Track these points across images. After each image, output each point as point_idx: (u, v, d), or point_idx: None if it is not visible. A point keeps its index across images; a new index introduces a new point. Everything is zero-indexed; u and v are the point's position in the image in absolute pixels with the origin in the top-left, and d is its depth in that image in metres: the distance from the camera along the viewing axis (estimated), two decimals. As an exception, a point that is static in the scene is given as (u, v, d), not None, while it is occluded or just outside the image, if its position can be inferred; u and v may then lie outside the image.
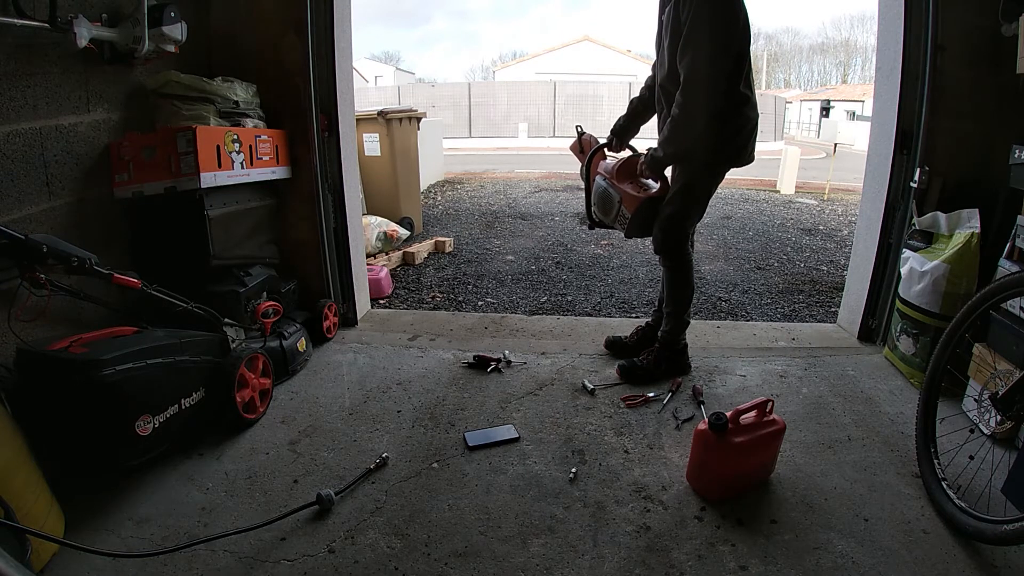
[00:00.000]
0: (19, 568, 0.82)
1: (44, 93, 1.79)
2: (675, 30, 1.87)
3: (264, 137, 2.29)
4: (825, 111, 25.24)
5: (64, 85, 1.85)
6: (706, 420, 1.56)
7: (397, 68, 39.73)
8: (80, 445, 1.47)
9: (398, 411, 2.04)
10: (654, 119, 2.21)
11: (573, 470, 1.70)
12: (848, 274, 2.86)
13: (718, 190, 2.25)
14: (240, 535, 1.42)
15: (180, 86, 2.09)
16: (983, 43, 2.14)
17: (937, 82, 2.21)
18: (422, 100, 18.63)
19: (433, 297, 3.54)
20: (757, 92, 2.03)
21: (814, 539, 1.44)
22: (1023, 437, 1.74)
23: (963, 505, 1.42)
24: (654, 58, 2.16)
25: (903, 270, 2.28)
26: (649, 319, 2.52)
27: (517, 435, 1.87)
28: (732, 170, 2.09)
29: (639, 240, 3.31)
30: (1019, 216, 1.91)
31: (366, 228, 4.18)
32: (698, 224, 2.33)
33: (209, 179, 1.99)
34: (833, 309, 3.25)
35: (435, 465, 1.74)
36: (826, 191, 7.96)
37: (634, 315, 3.20)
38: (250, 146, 2.20)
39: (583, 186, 2.40)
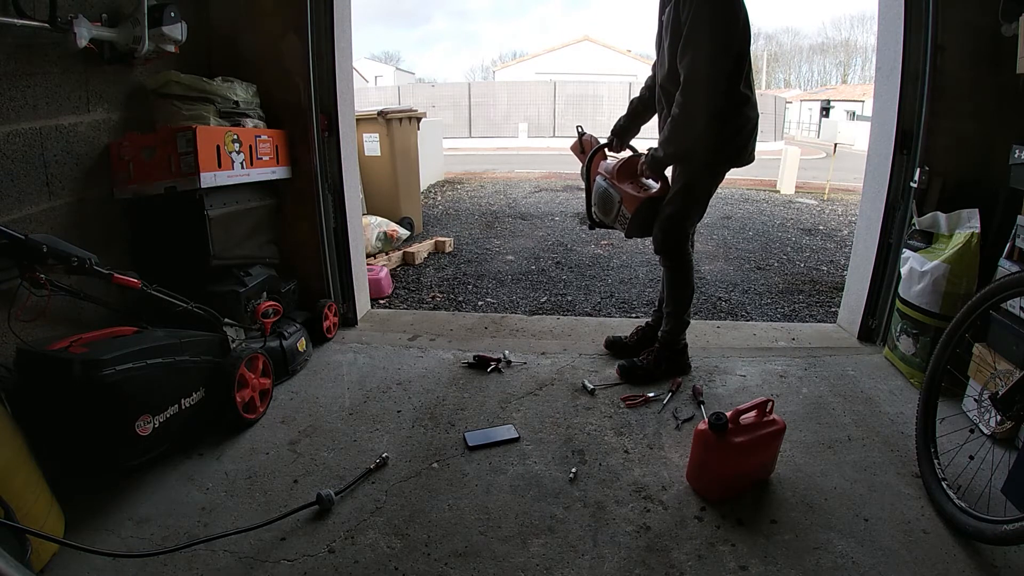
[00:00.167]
0: (19, 568, 0.82)
1: (44, 93, 1.79)
2: (675, 30, 1.87)
3: (264, 137, 2.29)
4: (825, 111, 25.25)
5: (64, 85, 1.85)
6: (706, 420, 1.56)
7: (397, 68, 39.73)
8: (80, 445, 1.47)
9: (398, 411, 2.04)
10: (654, 119, 2.21)
11: (573, 470, 1.70)
12: (848, 274, 2.86)
13: (718, 190, 2.25)
14: (240, 535, 1.42)
15: (180, 86, 2.09)
16: (983, 43, 2.14)
17: (937, 82, 2.21)
18: (422, 100, 18.63)
19: (433, 297, 3.54)
20: (757, 92, 2.03)
21: (814, 539, 1.45)
22: (1023, 437, 1.74)
23: (963, 505, 1.42)
24: (654, 58, 2.16)
25: (903, 270, 2.28)
26: (649, 319, 2.52)
27: (517, 435, 1.87)
28: (732, 170, 2.09)
29: (639, 240, 3.31)
30: (1019, 216, 1.91)
31: (366, 228, 4.18)
32: (698, 224, 2.33)
33: (209, 179, 1.99)
34: (833, 309, 3.25)
35: (435, 465, 1.74)
36: (826, 191, 7.97)
37: (634, 315, 3.20)
38: (250, 146, 2.20)
39: (583, 186, 2.40)
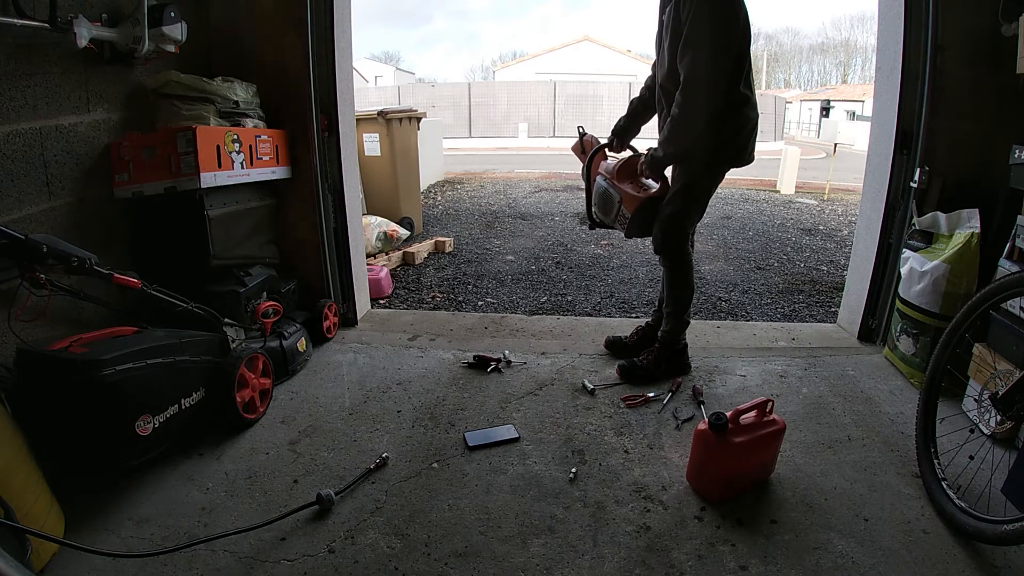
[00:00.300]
0: (19, 568, 0.82)
1: (44, 93, 1.79)
2: (675, 30, 1.87)
3: (264, 137, 2.29)
4: (825, 111, 25.25)
5: (64, 85, 1.85)
6: (706, 420, 1.56)
7: (397, 68, 39.73)
8: (80, 445, 1.47)
9: (398, 411, 2.04)
10: (655, 119, 2.21)
11: (573, 470, 1.70)
12: (848, 274, 2.86)
13: (718, 190, 2.25)
14: (240, 535, 1.42)
15: (180, 86, 2.09)
16: (983, 43, 2.14)
17: (937, 82, 2.21)
18: (422, 100, 18.64)
19: (433, 297, 3.54)
20: (757, 92, 2.03)
21: (814, 539, 1.45)
22: (1023, 437, 1.74)
23: (963, 505, 1.42)
24: (654, 58, 2.16)
25: (903, 270, 2.28)
26: (649, 319, 2.52)
27: (517, 435, 1.87)
28: (732, 170, 2.09)
29: (639, 240, 3.31)
30: (1019, 216, 1.91)
31: (366, 228, 4.18)
32: (698, 224, 2.33)
33: (209, 179, 1.99)
34: (833, 309, 3.25)
35: (435, 465, 1.74)
36: (826, 191, 7.97)
37: (634, 315, 3.20)
38: (250, 146, 2.20)
39: (583, 186, 2.40)
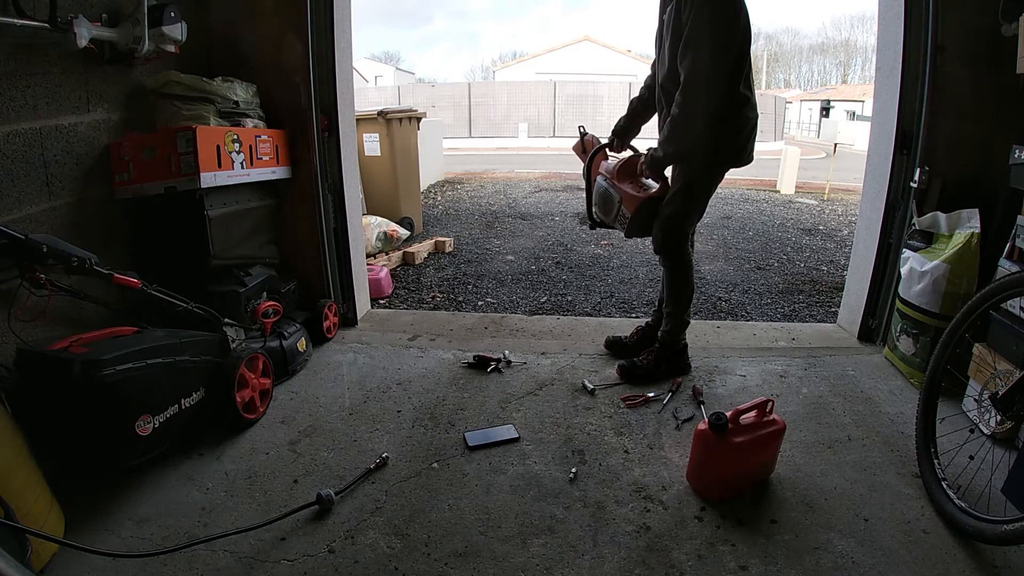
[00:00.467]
0: (19, 568, 0.82)
1: (44, 93, 1.79)
2: (676, 30, 1.87)
3: (264, 137, 2.29)
4: (825, 111, 25.25)
5: (64, 85, 1.85)
6: (706, 420, 1.56)
7: (397, 68, 39.72)
8: (80, 445, 1.47)
9: (398, 411, 2.04)
10: (655, 119, 2.21)
11: (573, 470, 1.70)
12: (848, 274, 2.86)
13: (718, 190, 2.25)
14: (240, 535, 1.42)
15: (180, 86, 2.09)
16: (983, 43, 2.14)
17: (937, 82, 2.21)
18: (422, 100, 18.63)
19: (433, 297, 3.54)
20: (757, 92, 2.03)
21: (814, 539, 1.44)
22: (1023, 437, 1.74)
23: (963, 505, 1.42)
24: (654, 58, 2.16)
25: (903, 270, 2.28)
26: (649, 319, 2.52)
27: (517, 435, 1.87)
28: (732, 170, 2.09)
29: (639, 240, 3.31)
30: (1019, 216, 1.91)
31: (366, 228, 4.18)
32: (698, 224, 2.33)
33: (209, 179, 1.99)
34: (833, 309, 3.25)
35: (435, 465, 1.74)
36: (826, 191, 7.97)
37: (634, 315, 3.20)
38: (250, 146, 2.20)
39: (583, 186, 2.40)
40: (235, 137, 2.12)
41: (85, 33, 1.74)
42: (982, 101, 2.20)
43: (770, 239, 5.19)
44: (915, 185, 2.30)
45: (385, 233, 4.38)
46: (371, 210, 4.79)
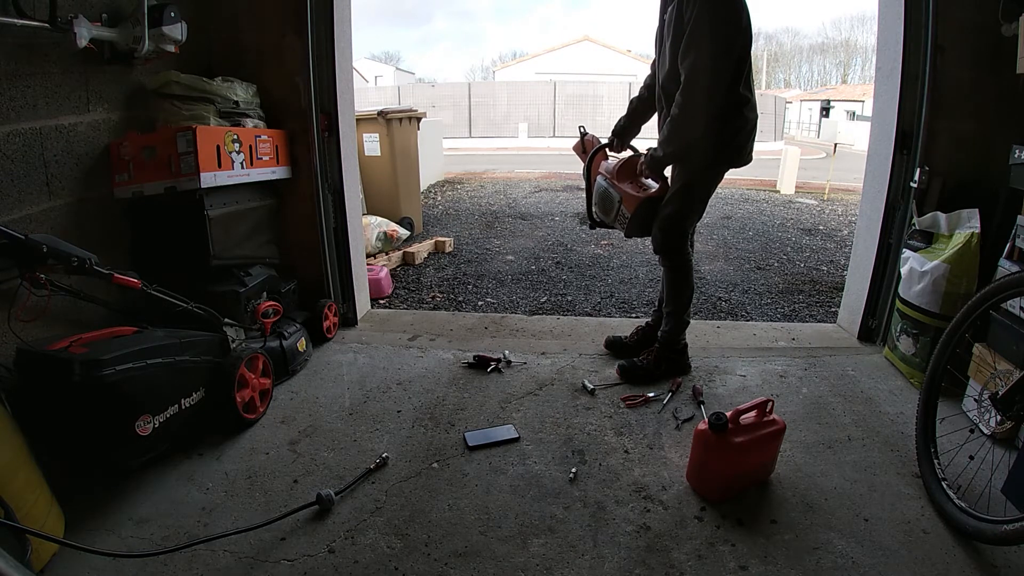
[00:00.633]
0: (19, 568, 0.82)
1: (44, 93, 1.79)
2: (677, 29, 1.86)
3: (264, 137, 2.29)
4: (825, 111, 25.22)
5: (64, 85, 1.85)
6: (706, 420, 1.56)
7: (397, 68, 39.71)
8: (80, 445, 1.47)
9: (398, 411, 2.04)
10: (655, 119, 2.21)
11: (573, 470, 1.70)
12: (848, 274, 2.86)
13: (718, 190, 2.25)
14: (240, 535, 1.42)
15: (180, 86, 2.09)
16: (983, 43, 2.14)
17: (937, 82, 2.21)
18: (422, 100, 18.63)
19: (433, 297, 3.54)
20: (757, 92, 2.03)
21: (814, 539, 1.45)
22: (1023, 437, 1.74)
23: (963, 505, 1.42)
24: (653, 58, 2.16)
25: (903, 270, 2.28)
26: (649, 319, 2.52)
27: (517, 435, 1.87)
28: (732, 170, 2.09)
29: (639, 240, 3.31)
30: (1019, 216, 1.91)
31: (366, 228, 4.18)
32: (698, 224, 2.33)
33: (209, 179, 1.99)
34: (833, 309, 3.25)
35: (435, 465, 1.74)
36: (826, 191, 7.97)
37: (634, 315, 3.20)
38: (250, 146, 2.20)
39: (583, 186, 2.40)
40: (235, 137, 2.12)
41: (85, 33, 1.74)
42: (982, 101, 2.20)
43: (770, 239, 5.19)
44: (915, 185, 2.30)
45: (385, 233, 4.38)
46: (371, 210, 4.79)
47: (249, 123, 2.27)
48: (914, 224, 2.30)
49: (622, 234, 2.23)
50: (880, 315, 2.55)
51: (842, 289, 3.01)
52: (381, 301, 3.39)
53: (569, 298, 3.49)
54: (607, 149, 2.36)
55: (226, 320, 2.01)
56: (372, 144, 4.89)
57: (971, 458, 1.59)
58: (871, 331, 2.61)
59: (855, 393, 2.16)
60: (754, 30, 1.93)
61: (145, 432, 1.52)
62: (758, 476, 1.65)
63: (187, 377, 1.70)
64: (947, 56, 2.18)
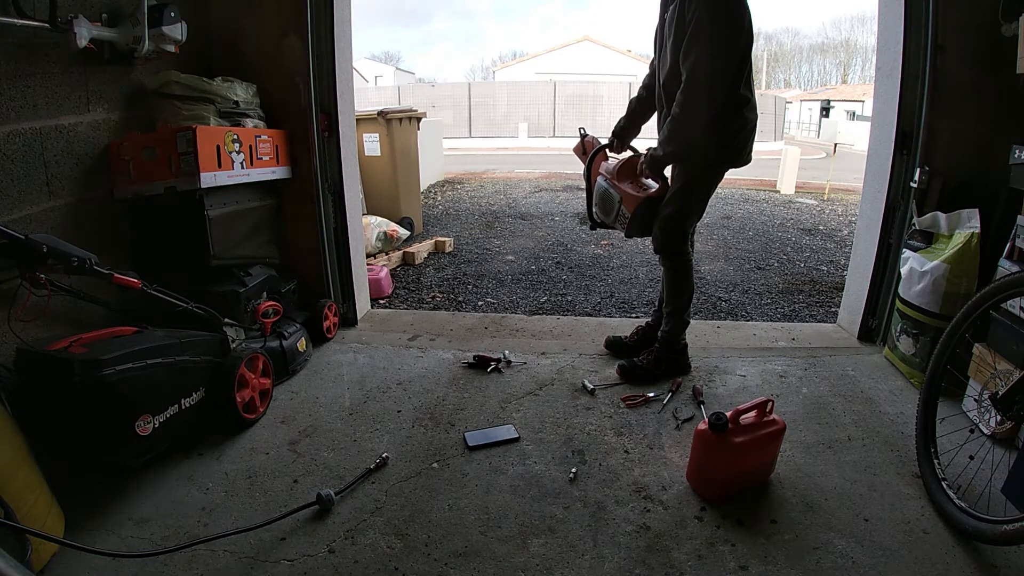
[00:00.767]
0: (19, 568, 0.82)
1: (44, 93, 1.79)
2: (679, 29, 1.86)
3: (264, 137, 2.29)
4: (825, 111, 25.22)
5: (64, 85, 1.85)
6: (706, 420, 1.56)
7: (397, 68, 39.70)
8: (80, 445, 1.47)
9: (398, 411, 2.04)
10: (654, 119, 2.21)
11: (573, 470, 1.70)
12: (848, 274, 2.86)
13: (718, 190, 2.25)
14: (240, 535, 1.42)
15: (180, 86, 2.09)
16: (983, 43, 2.14)
17: (937, 82, 2.21)
18: (422, 100, 18.63)
19: (433, 297, 3.54)
20: (757, 92, 2.03)
21: (814, 539, 1.45)
22: (1023, 437, 1.74)
23: (963, 505, 1.42)
24: (652, 57, 2.16)
25: (903, 270, 2.28)
26: (649, 319, 2.52)
27: (517, 435, 1.87)
28: (731, 170, 2.09)
29: (639, 240, 3.31)
30: (1019, 216, 1.91)
31: (366, 228, 4.18)
32: (698, 224, 2.33)
33: (209, 179, 1.99)
34: (833, 309, 3.24)
35: (435, 465, 1.74)
36: (826, 191, 7.96)
37: (634, 315, 3.20)
38: (250, 146, 2.20)
39: (583, 186, 2.40)
40: (235, 137, 2.12)
41: (85, 33, 1.74)
42: (982, 101, 2.20)
43: (770, 239, 5.19)
44: (915, 185, 2.30)
45: (385, 233, 4.38)
46: (371, 210, 4.79)
47: (249, 123, 2.27)
48: (914, 224, 2.30)
49: (622, 234, 2.23)
50: (880, 315, 2.55)
51: (842, 289, 3.01)
52: (381, 301, 3.39)
53: (569, 298, 3.49)
54: (607, 150, 2.36)
55: (226, 320, 2.01)
56: (372, 144, 4.89)
57: (971, 458, 1.59)
58: (871, 331, 2.61)
59: (855, 393, 2.16)
60: (755, 30, 1.93)
61: (145, 432, 1.52)
62: (758, 476, 1.65)
63: (187, 377, 1.70)
64: (947, 56, 2.18)
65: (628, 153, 2.31)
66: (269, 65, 2.42)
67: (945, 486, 1.51)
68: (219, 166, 2.04)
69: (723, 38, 1.81)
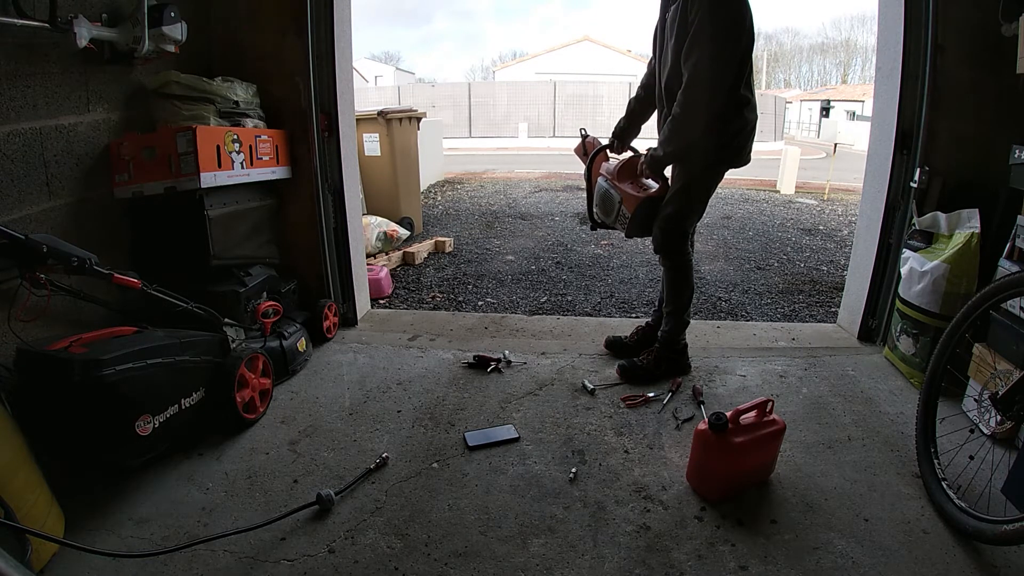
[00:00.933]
0: (19, 568, 0.82)
1: (44, 93, 1.79)
2: (681, 30, 1.86)
3: (264, 137, 2.29)
4: (825, 111, 25.20)
5: (64, 85, 1.85)
6: (706, 420, 1.56)
7: (397, 68, 39.70)
8: (80, 445, 1.47)
9: (398, 411, 2.04)
10: (654, 119, 2.21)
11: (573, 470, 1.70)
12: (848, 274, 2.86)
13: (718, 190, 2.25)
14: (240, 535, 1.43)
15: (180, 86, 2.09)
16: (983, 43, 2.14)
17: (937, 82, 2.21)
18: (422, 100, 18.63)
19: (433, 297, 3.54)
20: (757, 92, 2.03)
21: (814, 539, 1.45)
22: (1023, 437, 1.74)
23: (963, 505, 1.42)
24: (650, 57, 2.16)
25: (903, 270, 2.28)
26: (649, 319, 2.52)
27: (517, 435, 1.87)
28: (731, 170, 2.09)
29: (639, 240, 3.31)
30: (1019, 216, 1.91)
31: (366, 228, 4.18)
32: (698, 224, 2.33)
33: (209, 179, 1.99)
34: (833, 309, 3.25)
35: (435, 465, 1.74)
36: (826, 191, 7.97)
37: (634, 315, 3.20)
38: (250, 146, 2.20)
39: (584, 186, 2.40)
40: (235, 137, 2.12)
41: (85, 33, 1.74)
42: (982, 101, 2.20)
43: (770, 239, 5.19)
44: (915, 185, 2.30)
45: (385, 233, 4.38)
46: (371, 210, 4.79)
47: (249, 123, 2.27)
48: (914, 224, 2.30)
49: (623, 234, 2.23)
50: (880, 315, 2.55)
51: (842, 289, 3.01)
52: (381, 301, 3.39)
53: (569, 298, 3.49)
54: (607, 151, 2.36)
55: (226, 320, 2.01)
56: (372, 144, 4.89)
57: (971, 458, 1.59)
58: (871, 331, 2.61)
59: (855, 393, 2.16)
60: (755, 30, 1.93)
61: (145, 432, 1.52)
62: (758, 476, 1.65)
63: (187, 377, 1.70)
64: (947, 56, 2.18)
65: (628, 153, 2.32)
66: (269, 65, 2.42)
67: (945, 486, 1.51)
68: (219, 166, 2.04)
69: (725, 39, 1.81)
